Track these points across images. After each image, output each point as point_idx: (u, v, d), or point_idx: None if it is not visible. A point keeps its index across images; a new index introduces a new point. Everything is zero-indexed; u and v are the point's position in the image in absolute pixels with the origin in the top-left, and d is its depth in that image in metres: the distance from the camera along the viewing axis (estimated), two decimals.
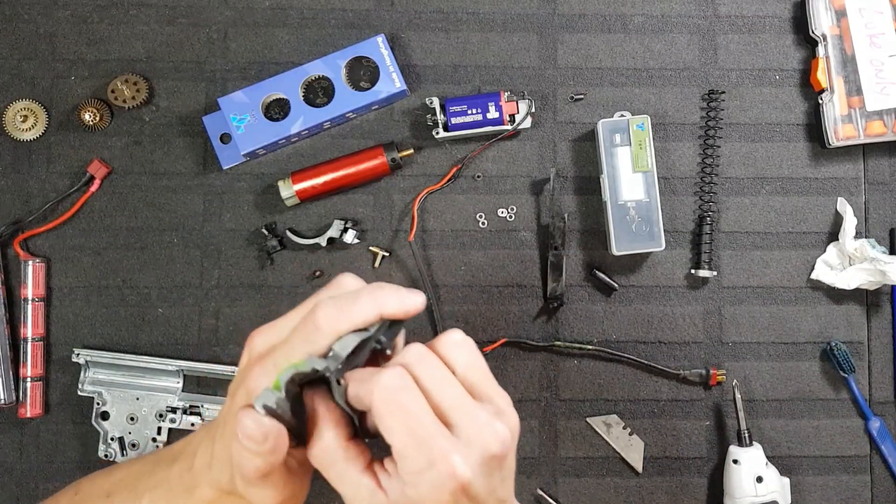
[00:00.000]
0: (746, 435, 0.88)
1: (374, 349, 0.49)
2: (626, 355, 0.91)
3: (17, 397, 0.89)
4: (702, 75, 0.94)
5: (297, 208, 0.92)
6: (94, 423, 0.89)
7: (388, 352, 0.50)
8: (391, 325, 0.50)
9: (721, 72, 0.94)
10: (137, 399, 0.89)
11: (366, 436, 0.50)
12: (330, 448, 0.48)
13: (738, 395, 0.88)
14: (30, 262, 0.89)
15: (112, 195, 0.92)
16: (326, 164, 0.90)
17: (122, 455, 0.89)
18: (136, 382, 0.90)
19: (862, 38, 0.91)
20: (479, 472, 0.46)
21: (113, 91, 0.90)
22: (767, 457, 0.88)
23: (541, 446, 0.91)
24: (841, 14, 0.92)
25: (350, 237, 0.90)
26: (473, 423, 0.47)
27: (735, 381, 0.90)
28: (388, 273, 0.92)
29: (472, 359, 0.49)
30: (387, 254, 0.92)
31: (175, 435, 0.89)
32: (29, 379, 0.88)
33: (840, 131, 0.91)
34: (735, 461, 0.87)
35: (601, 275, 0.92)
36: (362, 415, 0.49)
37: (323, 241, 0.90)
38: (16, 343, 0.89)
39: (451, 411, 0.47)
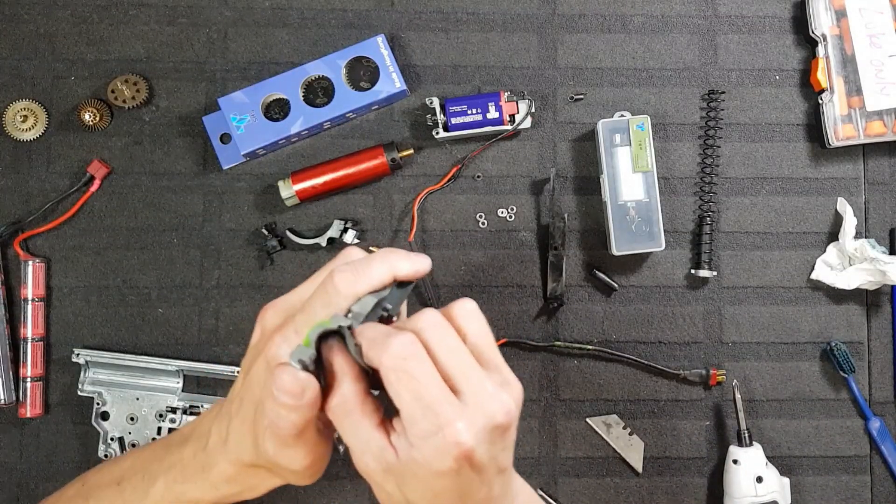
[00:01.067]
0: (746, 435, 0.88)
1: (381, 316, 0.51)
2: (626, 355, 0.91)
3: (17, 397, 0.89)
4: (702, 75, 0.94)
5: (297, 208, 0.92)
6: (94, 423, 0.89)
7: (394, 318, 0.52)
8: (399, 288, 0.52)
9: (721, 72, 0.94)
10: (137, 399, 0.89)
11: (378, 388, 0.51)
12: (348, 400, 0.49)
13: (737, 395, 0.88)
14: (30, 262, 0.89)
15: (112, 195, 0.92)
16: (326, 164, 0.90)
17: None
18: (136, 382, 0.90)
19: (862, 38, 0.91)
20: (483, 440, 0.47)
21: (113, 91, 0.90)
22: (767, 457, 0.88)
23: (541, 446, 0.91)
24: (841, 14, 0.92)
25: (350, 237, 0.90)
26: (481, 392, 0.47)
27: (735, 381, 0.90)
28: None
29: (482, 328, 0.51)
30: None
31: None
32: (29, 379, 0.88)
33: (840, 131, 0.91)
34: (735, 461, 0.87)
35: (601, 275, 0.92)
36: (376, 369, 0.51)
37: (323, 241, 0.90)
38: (16, 343, 0.89)
39: (459, 379, 0.48)
